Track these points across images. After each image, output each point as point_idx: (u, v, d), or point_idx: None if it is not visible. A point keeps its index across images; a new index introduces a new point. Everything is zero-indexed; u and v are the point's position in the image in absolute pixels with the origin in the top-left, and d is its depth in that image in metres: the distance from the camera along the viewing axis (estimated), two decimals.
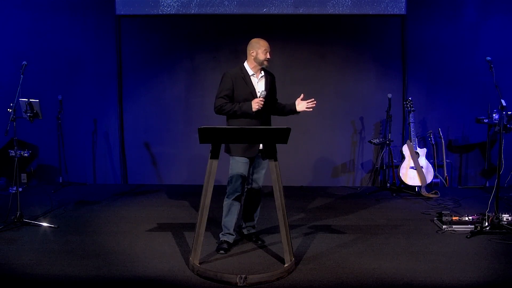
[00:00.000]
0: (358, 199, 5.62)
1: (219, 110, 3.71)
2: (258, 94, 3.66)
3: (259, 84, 3.76)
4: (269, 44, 3.78)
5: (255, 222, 4.03)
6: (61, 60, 6.26)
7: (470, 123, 6.20)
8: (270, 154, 3.36)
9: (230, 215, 3.77)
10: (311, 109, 3.78)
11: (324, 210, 5.11)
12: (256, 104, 3.59)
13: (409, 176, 5.71)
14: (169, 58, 6.37)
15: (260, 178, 3.87)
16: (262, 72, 3.80)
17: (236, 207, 3.78)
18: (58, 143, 6.17)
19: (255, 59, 3.72)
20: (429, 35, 6.23)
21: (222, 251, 3.68)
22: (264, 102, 3.62)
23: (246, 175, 3.73)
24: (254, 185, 3.86)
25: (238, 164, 3.68)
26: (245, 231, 4.00)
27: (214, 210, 4.98)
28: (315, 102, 3.77)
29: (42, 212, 4.85)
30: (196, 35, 6.35)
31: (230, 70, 3.76)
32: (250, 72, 3.75)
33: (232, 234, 3.79)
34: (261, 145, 3.69)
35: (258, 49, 3.72)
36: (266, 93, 3.66)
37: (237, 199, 3.76)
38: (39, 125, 5.61)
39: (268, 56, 3.74)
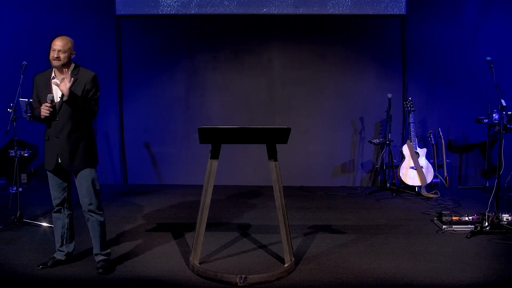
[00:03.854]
0: (358, 199, 5.62)
1: (30, 117, 3.45)
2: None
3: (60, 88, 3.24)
4: (63, 42, 3.24)
5: (100, 248, 3.42)
6: None
7: (470, 123, 6.20)
8: (270, 154, 3.36)
9: (55, 230, 3.46)
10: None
11: (324, 210, 5.11)
12: (42, 110, 3.17)
13: (409, 176, 5.71)
14: (169, 58, 6.37)
15: (82, 197, 3.33)
16: (67, 74, 3.24)
17: (58, 222, 3.43)
18: None
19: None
20: (429, 35, 6.23)
21: (40, 266, 3.37)
22: (60, 107, 3.21)
23: (57, 188, 3.36)
24: (83, 207, 3.37)
25: (48, 176, 3.38)
26: (95, 258, 3.43)
27: (214, 210, 4.99)
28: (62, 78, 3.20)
29: (42, 212, 4.85)
30: (196, 35, 6.36)
31: (37, 74, 3.38)
32: (52, 75, 3.31)
33: (60, 251, 3.45)
34: (59, 159, 3.28)
35: (50, 48, 3.24)
36: (52, 97, 3.21)
37: (55, 212, 3.42)
38: (39, 125, 5.57)
39: (55, 55, 3.19)
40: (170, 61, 6.38)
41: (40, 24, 6.22)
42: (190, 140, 6.32)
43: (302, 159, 6.43)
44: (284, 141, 3.30)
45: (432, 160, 5.99)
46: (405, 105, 5.87)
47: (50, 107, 3.19)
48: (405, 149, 5.78)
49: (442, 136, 6.02)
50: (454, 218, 4.35)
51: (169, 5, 6.24)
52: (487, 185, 6.19)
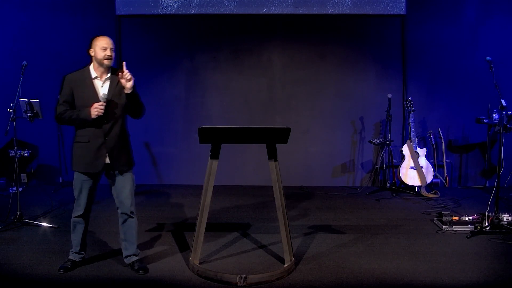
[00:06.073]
0: (358, 199, 5.62)
1: (59, 119, 3.27)
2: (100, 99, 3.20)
3: (103, 88, 3.28)
4: (111, 41, 3.33)
5: (135, 250, 3.46)
6: (61, 60, 6.24)
7: (470, 123, 6.20)
8: (270, 154, 3.36)
9: (74, 234, 3.42)
10: (129, 80, 3.26)
11: (324, 210, 5.11)
12: (94, 110, 3.13)
13: (409, 176, 5.71)
14: (169, 58, 6.37)
15: (125, 199, 3.33)
16: (109, 74, 3.34)
17: (80, 226, 3.40)
18: (58, 143, 6.17)
19: (95, 59, 3.29)
20: (429, 35, 6.23)
21: (61, 270, 3.32)
22: (108, 106, 3.20)
23: (89, 192, 3.32)
24: (122, 209, 3.37)
25: (78, 180, 3.30)
26: (126, 261, 3.45)
27: (214, 210, 4.99)
28: (127, 72, 3.25)
29: (42, 212, 4.85)
30: (196, 35, 6.36)
31: (70, 74, 3.31)
32: (93, 74, 3.29)
33: (78, 253, 3.45)
34: (107, 159, 3.26)
35: (96, 47, 3.28)
36: (107, 96, 3.21)
37: (80, 217, 3.37)
38: (39, 125, 5.60)
39: (108, 53, 3.25)
40: (170, 61, 6.38)
41: (40, 24, 6.22)
42: (190, 140, 6.32)
43: (302, 159, 6.43)
44: (284, 141, 3.31)
45: (432, 160, 5.99)
46: (405, 105, 5.87)
47: (101, 106, 3.16)
48: (405, 149, 5.78)
49: (442, 136, 6.02)
50: (454, 218, 4.35)
51: (169, 5, 6.24)
52: (487, 185, 6.19)
